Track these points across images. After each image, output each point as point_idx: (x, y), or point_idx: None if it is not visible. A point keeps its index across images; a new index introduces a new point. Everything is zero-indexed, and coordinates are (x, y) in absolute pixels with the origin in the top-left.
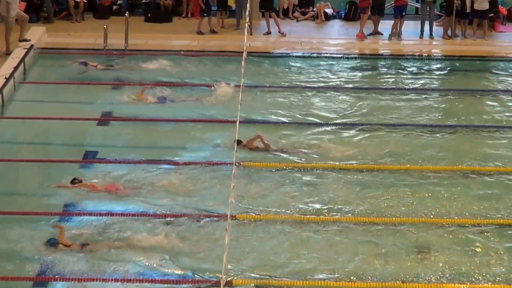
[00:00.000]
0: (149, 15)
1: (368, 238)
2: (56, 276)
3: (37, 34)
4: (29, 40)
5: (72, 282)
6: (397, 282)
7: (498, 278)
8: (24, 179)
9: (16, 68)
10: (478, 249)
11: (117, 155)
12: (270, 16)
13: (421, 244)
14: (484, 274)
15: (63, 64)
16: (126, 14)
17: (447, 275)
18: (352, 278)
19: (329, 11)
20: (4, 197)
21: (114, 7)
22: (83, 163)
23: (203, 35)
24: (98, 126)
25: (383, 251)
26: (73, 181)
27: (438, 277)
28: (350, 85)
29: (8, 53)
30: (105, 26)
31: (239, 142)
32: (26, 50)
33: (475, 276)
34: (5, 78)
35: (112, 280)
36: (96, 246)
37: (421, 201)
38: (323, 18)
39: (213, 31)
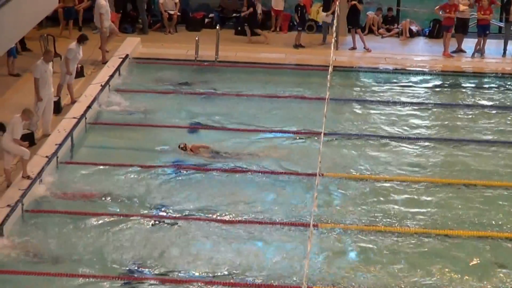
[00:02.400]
0: (239, 28)
1: (445, 251)
2: None
3: (132, 44)
4: (108, 51)
5: None
6: None
7: None
8: (115, 182)
9: (111, 76)
10: None
11: (205, 162)
12: (356, 32)
13: (500, 258)
14: None
15: (156, 74)
16: (217, 27)
17: None
18: None
19: (413, 28)
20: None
21: (206, 20)
22: (173, 168)
23: (297, 49)
24: (188, 133)
25: (460, 264)
26: None
27: None
28: (431, 101)
29: (103, 63)
30: (196, 38)
31: (184, 148)
32: (121, 59)
33: None
34: (101, 85)
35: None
36: None
37: (497, 216)
38: (408, 35)
39: (300, 46)
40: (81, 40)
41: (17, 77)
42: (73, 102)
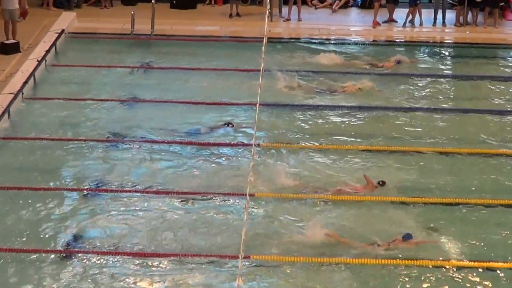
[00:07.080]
0: (175, 1)
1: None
2: None
3: (68, 19)
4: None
5: None
6: None
7: None
8: (52, 157)
9: (48, 51)
10: None
11: (143, 134)
12: (295, 3)
13: None
14: None
15: (92, 48)
16: (153, 1)
17: None
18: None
19: None
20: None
21: None
22: (110, 142)
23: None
24: (124, 107)
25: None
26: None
27: None
28: (365, 71)
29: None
30: (132, 12)
31: None
32: (57, 34)
33: None
34: (37, 60)
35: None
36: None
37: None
38: (340, 6)
39: (237, 15)
40: None
41: None
42: None
